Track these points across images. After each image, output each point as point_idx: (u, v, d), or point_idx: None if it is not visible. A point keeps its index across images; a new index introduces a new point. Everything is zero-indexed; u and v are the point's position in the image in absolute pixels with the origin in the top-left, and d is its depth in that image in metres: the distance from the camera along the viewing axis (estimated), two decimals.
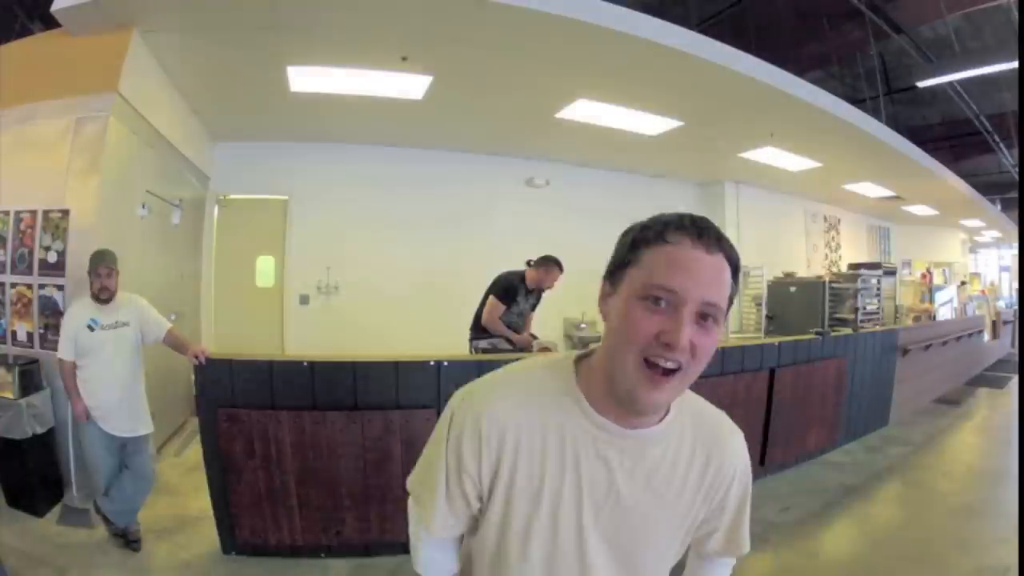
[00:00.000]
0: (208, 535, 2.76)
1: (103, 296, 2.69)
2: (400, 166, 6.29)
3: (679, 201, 8.16)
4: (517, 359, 0.92)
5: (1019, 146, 9.78)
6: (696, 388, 0.79)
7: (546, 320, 4.51)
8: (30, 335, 3.20)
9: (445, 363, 2.79)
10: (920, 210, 10.39)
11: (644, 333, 0.67)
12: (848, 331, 5.01)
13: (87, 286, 2.72)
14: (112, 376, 2.71)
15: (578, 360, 0.80)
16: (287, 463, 2.62)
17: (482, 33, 3.66)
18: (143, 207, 3.87)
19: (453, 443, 0.77)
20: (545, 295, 4.14)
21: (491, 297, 3.84)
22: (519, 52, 3.92)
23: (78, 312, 2.71)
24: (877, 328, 5.83)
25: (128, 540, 2.75)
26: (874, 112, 6.95)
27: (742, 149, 6.41)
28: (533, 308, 4.11)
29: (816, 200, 9.49)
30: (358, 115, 5.20)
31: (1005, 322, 10.17)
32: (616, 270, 0.74)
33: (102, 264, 2.68)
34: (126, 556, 2.68)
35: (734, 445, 0.84)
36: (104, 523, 2.79)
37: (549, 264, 3.91)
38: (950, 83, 7.70)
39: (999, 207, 11.69)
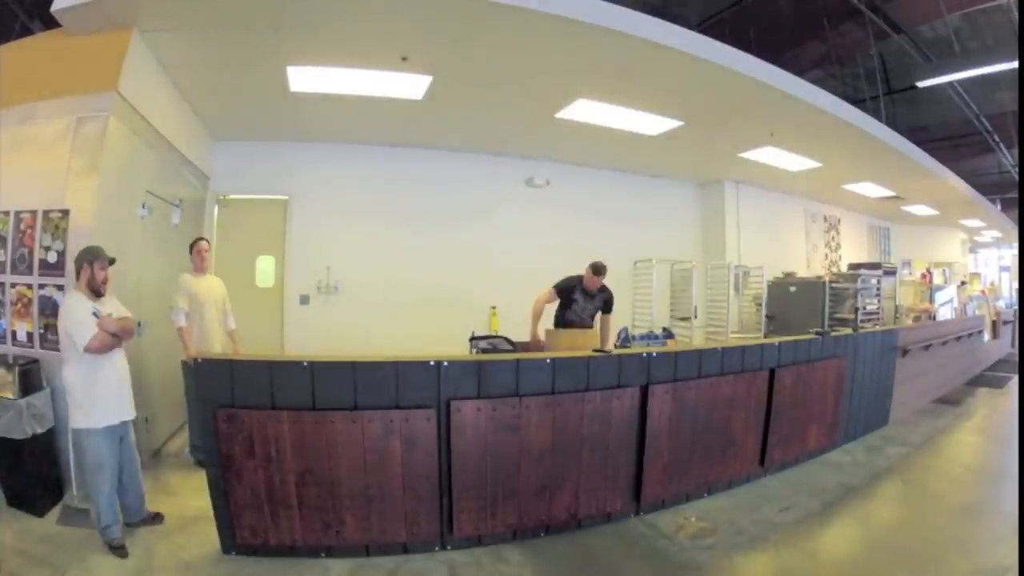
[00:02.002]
0: (208, 535, 2.76)
1: (102, 291, 2.76)
2: (400, 166, 6.31)
3: (679, 201, 8.19)
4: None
5: (1019, 146, 9.79)
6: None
7: (546, 319, 4.54)
8: (30, 335, 3.20)
9: (445, 363, 2.79)
10: (920, 210, 10.39)
11: None
12: (848, 331, 5.00)
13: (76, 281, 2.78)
14: (112, 366, 2.78)
15: None
16: (287, 463, 2.62)
17: (482, 33, 3.66)
18: (143, 207, 3.87)
19: None
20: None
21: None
22: (519, 52, 3.93)
23: (80, 301, 2.71)
24: (877, 328, 5.83)
25: (153, 520, 2.97)
26: (874, 112, 6.96)
27: (742, 149, 6.42)
28: (598, 310, 4.45)
29: (816, 200, 9.49)
30: (358, 115, 5.21)
31: (1005, 322, 10.16)
32: None
33: (98, 260, 2.74)
34: (126, 556, 2.68)
35: None
36: (130, 526, 2.90)
37: (588, 267, 4.34)
38: (950, 83, 7.71)
39: (999, 207, 11.70)
